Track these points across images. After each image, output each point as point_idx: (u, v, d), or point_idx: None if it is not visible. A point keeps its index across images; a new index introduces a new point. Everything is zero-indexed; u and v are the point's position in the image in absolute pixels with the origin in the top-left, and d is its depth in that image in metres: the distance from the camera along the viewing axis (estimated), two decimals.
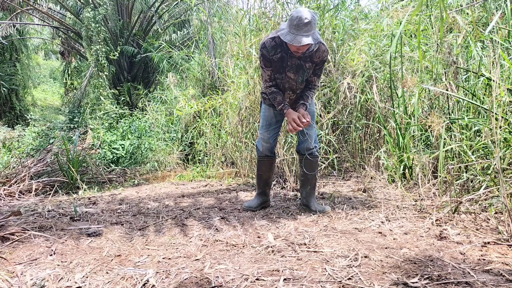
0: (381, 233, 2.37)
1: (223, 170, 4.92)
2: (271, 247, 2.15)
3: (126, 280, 1.75)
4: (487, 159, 2.86)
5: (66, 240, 2.29)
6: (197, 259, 2.01)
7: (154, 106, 7.63)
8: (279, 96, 2.68)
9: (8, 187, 4.03)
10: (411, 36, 4.39)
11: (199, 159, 5.82)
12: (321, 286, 1.66)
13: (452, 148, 3.11)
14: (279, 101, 2.67)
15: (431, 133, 3.48)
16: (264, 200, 3.11)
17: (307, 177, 2.92)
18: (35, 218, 2.72)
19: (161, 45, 8.68)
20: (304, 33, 2.33)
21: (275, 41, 2.58)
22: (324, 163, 4.23)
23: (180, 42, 11.09)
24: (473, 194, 2.75)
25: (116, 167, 5.90)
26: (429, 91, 3.75)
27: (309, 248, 2.13)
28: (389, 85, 3.89)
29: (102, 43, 9.21)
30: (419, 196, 3.09)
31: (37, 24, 12.99)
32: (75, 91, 14.65)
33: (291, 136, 4.10)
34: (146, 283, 1.72)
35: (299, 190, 3.27)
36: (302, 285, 1.67)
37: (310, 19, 2.31)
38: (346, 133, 4.43)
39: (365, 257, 1.96)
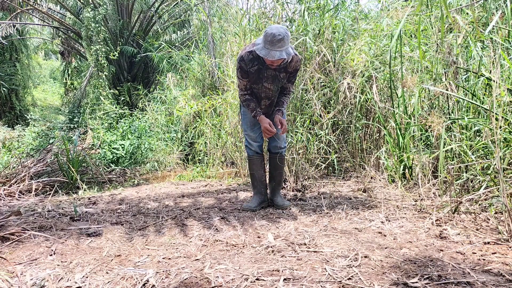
0: (381, 233, 2.37)
1: (223, 170, 4.92)
2: (271, 247, 2.15)
3: (126, 280, 1.75)
4: (487, 159, 2.86)
5: (66, 240, 2.29)
6: (197, 259, 2.01)
7: (154, 106, 7.63)
8: (252, 103, 2.91)
9: (8, 187, 4.03)
10: (411, 36, 4.39)
11: (199, 159, 5.82)
12: (321, 286, 1.66)
13: (452, 148, 3.11)
14: (252, 108, 2.91)
15: (431, 133, 3.48)
16: (263, 200, 3.14)
17: (273, 174, 3.16)
18: (35, 218, 2.72)
19: (161, 45, 8.68)
20: (278, 48, 2.53)
21: (252, 54, 2.77)
22: (323, 163, 4.23)
23: (180, 42, 11.09)
24: (473, 194, 2.75)
25: (116, 167, 5.90)
26: (429, 91, 3.75)
27: (309, 248, 2.13)
28: (389, 85, 3.89)
29: (102, 43, 9.21)
30: (419, 196, 3.09)
31: (37, 24, 12.99)
32: (75, 91, 14.66)
33: (291, 136, 4.10)
34: (146, 283, 1.72)
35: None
36: (302, 285, 1.67)
37: (282, 36, 2.50)
38: (346, 133, 4.43)
39: (365, 257, 1.96)
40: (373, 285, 1.64)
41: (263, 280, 1.72)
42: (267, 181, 3.28)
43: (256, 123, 3.06)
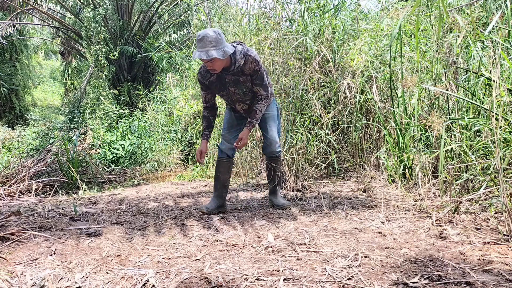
0: (381, 233, 2.37)
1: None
2: (271, 247, 2.15)
3: (126, 280, 1.75)
4: (487, 159, 2.86)
5: (66, 240, 2.29)
6: (197, 259, 2.01)
7: (154, 106, 7.63)
8: (205, 122, 2.99)
9: (8, 187, 4.03)
10: (411, 36, 4.39)
11: None
12: (321, 286, 1.66)
13: (452, 148, 3.11)
14: (203, 127, 3.00)
15: (431, 133, 3.48)
16: (221, 204, 3.05)
17: (272, 176, 3.15)
18: (35, 218, 2.72)
19: (161, 45, 8.68)
20: (199, 49, 2.52)
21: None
22: (323, 163, 4.23)
23: (180, 42, 11.09)
24: (473, 194, 2.75)
25: (116, 167, 5.90)
26: (429, 91, 3.75)
27: (309, 248, 2.13)
28: (389, 85, 3.89)
29: (102, 43, 9.21)
30: (419, 196, 3.09)
31: (37, 24, 12.99)
32: (75, 91, 14.64)
33: (291, 136, 4.10)
34: (146, 283, 1.72)
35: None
36: (302, 285, 1.67)
37: (202, 36, 2.49)
38: (346, 133, 4.43)
39: (365, 257, 1.96)
40: (373, 285, 1.64)
41: (263, 280, 1.72)
42: (268, 183, 3.27)
43: (233, 125, 3.05)
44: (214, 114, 3.02)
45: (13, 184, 4.15)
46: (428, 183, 3.19)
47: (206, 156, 3.04)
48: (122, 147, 6.32)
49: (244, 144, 2.85)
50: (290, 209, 3.07)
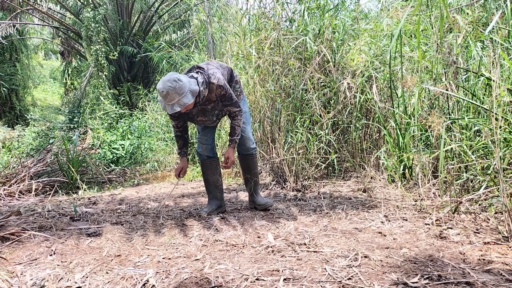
0: (381, 233, 2.37)
1: (223, 170, 4.92)
2: (271, 247, 2.15)
3: (126, 280, 1.75)
4: (487, 159, 2.86)
5: (66, 240, 2.29)
6: (197, 259, 2.01)
7: (154, 106, 7.63)
8: (181, 141, 2.96)
9: (8, 187, 4.03)
10: (411, 36, 4.39)
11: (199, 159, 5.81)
12: (321, 286, 1.66)
13: (452, 148, 3.11)
14: (179, 146, 2.98)
15: (431, 133, 3.48)
16: (218, 205, 3.04)
17: (248, 175, 3.10)
18: (35, 218, 2.72)
19: (161, 45, 8.68)
20: (168, 102, 2.49)
21: None
22: (323, 163, 4.23)
23: (180, 42, 11.09)
24: (473, 194, 2.75)
25: (116, 167, 5.90)
26: (429, 91, 3.75)
27: (309, 248, 2.13)
28: (389, 85, 3.89)
29: (102, 43, 9.21)
30: (419, 196, 3.09)
31: (37, 24, 12.98)
32: (75, 91, 14.64)
33: (291, 136, 4.10)
34: (146, 283, 1.72)
35: (245, 189, 3.32)
36: (302, 285, 1.67)
37: (166, 91, 2.44)
38: (346, 133, 4.43)
39: (365, 257, 1.96)
40: (373, 285, 1.64)
41: (263, 280, 1.72)
42: (244, 185, 3.20)
43: (206, 127, 3.02)
44: (187, 131, 2.99)
45: (13, 184, 4.15)
46: (428, 183, 3.19)
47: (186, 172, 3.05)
48: (122, 147, 6.32)
49: (232, 162, 2.84)
50: (291, 208, 3.07)
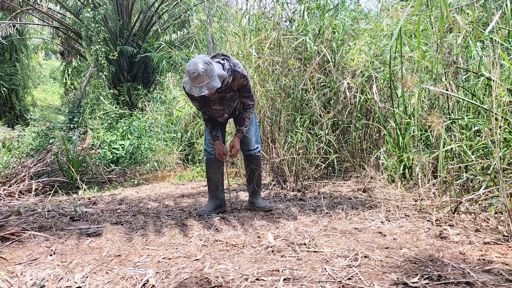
0: (381, 233, 2.37)
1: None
2: (271, 247, 2.15)
3: (126, 280, 1.75)
4: (487, 159, 2.86)
5: (66, 240, 2.29)
6: (197, 259, 2.01)
7: (154, 106, 7.63)
8: (210, 123, 2.90)
9: (8, 187, 4.03)
10: (411, 36, 4.39)
11: (199, 159, 5.82)
12: (321, 286, 1.66)
13: (452, 148, 3.11)
14: (210, 129, 2.89)
15: (431, 133, 3.48)
16: (218, 205, 3.06)
17: (251, 176, 3.10)
18: (35, 218, 2.72)
19: (160, 45, 8.68)
20: (197, 84, 2.46)
21: None
22: (323, 163, 4.23)
23: (180, 42, 11.08)
24: (473, 194, 2.75)
25: (116, 167, 5.90)
26: (429, 91, 3.75)
27: (309, 248, 2.13)
28: (389, 85, 3.89)
29: (101, 43, 9.21)
30: (419, 196, 3.09)
31: (37, 24, 12.98)
32: (75, 91, 14.64)
33: (291, 136, 4.10)
34: (146, 283, 1.72)
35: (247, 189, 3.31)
36: (302, 285, 1.67)
37: (198, 73, 2.40)
38: (346, 133, 4.43)
39: (365, 257, 1.96)
40: (373, 285, 1.64)
41: (263, 280, 1.72)
42: (246, 184, 3.21)
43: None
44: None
45: (13, 184, 4.15)
46: (428, 183, 3.19)
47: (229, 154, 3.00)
48: (122, 147, 6.32)
49: (237, 151, 2.86)
50: (290, 209, 3.07)
